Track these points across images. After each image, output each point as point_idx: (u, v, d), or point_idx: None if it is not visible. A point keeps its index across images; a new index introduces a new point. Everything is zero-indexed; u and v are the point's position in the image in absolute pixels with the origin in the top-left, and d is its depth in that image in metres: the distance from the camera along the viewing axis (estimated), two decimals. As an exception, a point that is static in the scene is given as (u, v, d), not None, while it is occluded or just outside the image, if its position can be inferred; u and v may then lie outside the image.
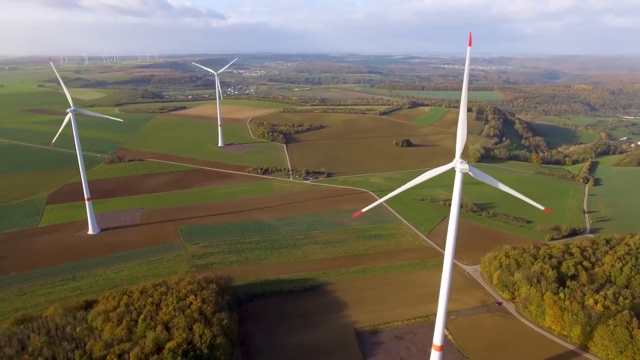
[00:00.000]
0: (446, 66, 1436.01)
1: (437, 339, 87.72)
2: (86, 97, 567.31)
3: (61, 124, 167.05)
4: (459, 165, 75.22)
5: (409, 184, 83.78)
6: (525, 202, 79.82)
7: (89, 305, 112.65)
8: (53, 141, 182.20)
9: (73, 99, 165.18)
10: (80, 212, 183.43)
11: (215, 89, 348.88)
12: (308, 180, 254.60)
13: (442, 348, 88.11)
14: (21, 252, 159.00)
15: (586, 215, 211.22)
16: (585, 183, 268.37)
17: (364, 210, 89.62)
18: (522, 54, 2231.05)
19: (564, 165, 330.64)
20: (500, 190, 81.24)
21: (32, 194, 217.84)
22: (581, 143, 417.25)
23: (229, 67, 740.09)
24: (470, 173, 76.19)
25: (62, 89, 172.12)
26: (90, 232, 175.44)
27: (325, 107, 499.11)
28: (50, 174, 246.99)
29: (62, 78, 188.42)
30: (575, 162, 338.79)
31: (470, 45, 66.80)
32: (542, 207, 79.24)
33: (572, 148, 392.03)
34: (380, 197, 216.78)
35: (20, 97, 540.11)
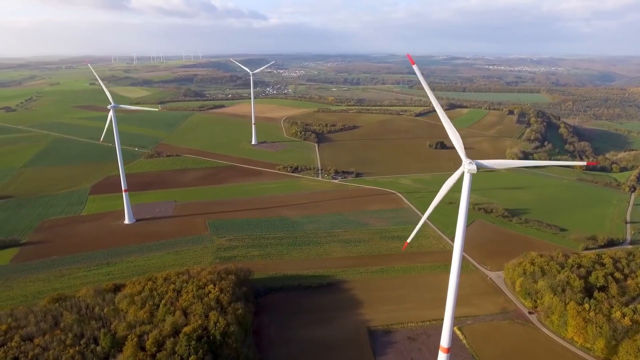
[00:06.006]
0: (490, 67, 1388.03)
1: (444, 341, 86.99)
2: (132, 94, 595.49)
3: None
4: (467, 166, 74.89)
5: (435, 201, 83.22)
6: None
7: (117, 288, 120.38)
8: (101, 138, 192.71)
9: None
10: (119, 202, 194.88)
11: (254, 88, 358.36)
12: (336, 179, 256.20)
13: (449, 350, 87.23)
14: (64, 237, 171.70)
15: (628, 225, 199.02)
16: (632, 192, 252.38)
17: (408, 240, 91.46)
18: (574, 55, 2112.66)
19: (610, 173, 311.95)
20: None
21: (77, 185, 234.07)
22: (632, 149, 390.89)
23: (268, 67, 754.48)
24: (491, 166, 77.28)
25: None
26: (126, 221, 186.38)
27: (360, 107, 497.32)
28: (95, 166, 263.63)
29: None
30: (623, 169, 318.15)
31: (413, 64, 72.31)
32: (583, 163, 78.13)
33: (621, 154, 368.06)
34: (408, 199, 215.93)
35: (73, 94, 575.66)
